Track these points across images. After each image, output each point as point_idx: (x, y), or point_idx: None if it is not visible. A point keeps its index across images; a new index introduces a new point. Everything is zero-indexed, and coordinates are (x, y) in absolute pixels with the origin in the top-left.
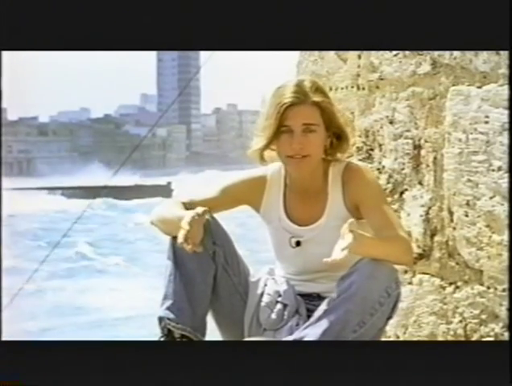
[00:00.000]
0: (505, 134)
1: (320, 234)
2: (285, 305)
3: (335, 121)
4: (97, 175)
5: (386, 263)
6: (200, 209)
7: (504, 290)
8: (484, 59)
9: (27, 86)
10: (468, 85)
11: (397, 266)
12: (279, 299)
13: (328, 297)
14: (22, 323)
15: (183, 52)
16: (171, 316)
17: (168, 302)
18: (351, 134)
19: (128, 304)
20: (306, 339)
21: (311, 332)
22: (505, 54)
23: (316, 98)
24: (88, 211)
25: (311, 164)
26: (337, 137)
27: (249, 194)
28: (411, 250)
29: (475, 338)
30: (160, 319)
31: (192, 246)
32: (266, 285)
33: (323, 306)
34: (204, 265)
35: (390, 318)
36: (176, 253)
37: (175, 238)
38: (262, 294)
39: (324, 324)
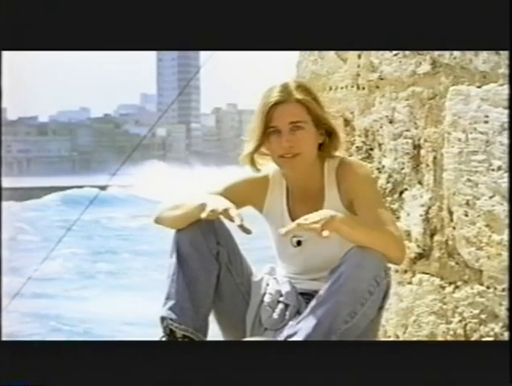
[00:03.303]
0: (505, 134)
1: None
2: (287, 306)
3: (322, 118)
4: (96, 175)
5: (373, 252)
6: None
7: (504, 290)
8: (484, 59)
9: (27, 86)
10: (468, 85)
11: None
12: (281, 299)
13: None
14: (22, 323)
15: (183, 52)
16: (174, 316)
17: (171, 302)
18: (340, 130)
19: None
20: (299, 333)
21: (304, 326)
22: (504, 54)
23: (299, 96)
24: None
25: (303, 162)
26: (329, 134)
27: (252, 194)
28: (401, 246)
29: (475, 337)
30: (162, 319)
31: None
32: (268, 284)
33: (314, 300)
34: (208, 265)
35: (381, 307)
36: (180, 252)
37: (178, 236)
38: (264, 294)
39: (315, 317)
